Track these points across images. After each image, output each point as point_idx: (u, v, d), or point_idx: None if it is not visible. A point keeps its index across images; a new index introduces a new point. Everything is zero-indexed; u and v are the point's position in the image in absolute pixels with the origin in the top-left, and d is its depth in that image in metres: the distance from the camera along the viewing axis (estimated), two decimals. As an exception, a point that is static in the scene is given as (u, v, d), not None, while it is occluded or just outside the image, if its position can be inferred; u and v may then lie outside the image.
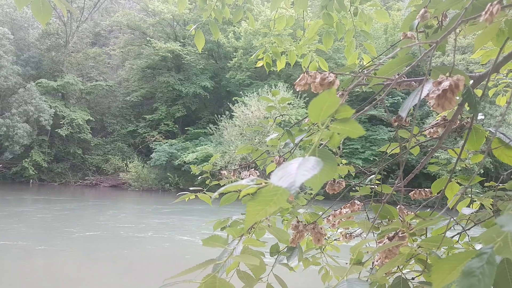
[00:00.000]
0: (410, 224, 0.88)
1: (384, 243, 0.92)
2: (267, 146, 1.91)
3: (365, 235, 1.58)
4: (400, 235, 0.92)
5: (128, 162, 29.95)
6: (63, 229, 13.00)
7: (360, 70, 1.43)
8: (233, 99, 26.38)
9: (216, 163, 23.23)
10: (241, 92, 26.94)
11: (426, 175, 20.08)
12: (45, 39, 31.92)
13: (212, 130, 27.88)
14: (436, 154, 1.67)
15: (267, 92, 24.74)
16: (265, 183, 0.67)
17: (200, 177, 1.96)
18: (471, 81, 1.16)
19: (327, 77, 0.91)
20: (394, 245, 0.86)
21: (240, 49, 29.69)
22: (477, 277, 0.59)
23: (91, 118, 31.64)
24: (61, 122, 29.88)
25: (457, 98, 0.79)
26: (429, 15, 1.04)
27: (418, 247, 0.83)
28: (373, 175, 1.73)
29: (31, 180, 29.42)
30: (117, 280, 8.04)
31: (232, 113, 25.80)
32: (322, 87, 0.93)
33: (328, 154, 0.69)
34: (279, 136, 1.65)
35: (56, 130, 29.58)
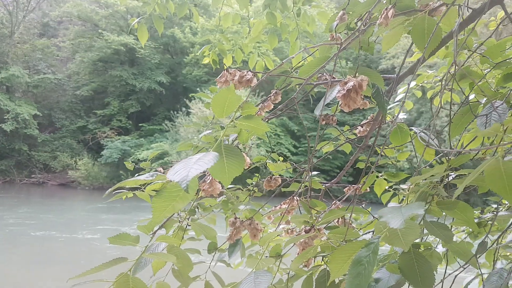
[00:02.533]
0: (317, 217, 0.92)
1: (300, 235, 0.96)
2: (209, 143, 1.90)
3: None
4: (315, 228, 0.95)
5: (78, 159, 28.69)
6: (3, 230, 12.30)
7: (292, 70, 1.47)
8: (190, 95, 26.05)
9: (172, 160, 22.84)
10: (198, 89, 26.61)
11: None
12: (-13, 28, 29.91)
13: (168, 127, 27.36)
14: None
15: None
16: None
17: (136, 174, 1.92)
18: (390, 82, 1.22)
19: (245, 75, 0.93)
20: (306, 237, 0.89)
21: (197, 44, 29.33)
22: (363, 266, 0.63)
23: (38, 113, 29.90)
24: (5, 117, 28.06)
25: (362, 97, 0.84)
26: (348, 17, 1.09)
27: (328, 239, 0.87)
28: (317, 172, 1.79)
29: (-30, 179, 27.52)
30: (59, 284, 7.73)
31: (189, 110, 25.47)
32: (240, 84, 0.95)
33: (234, 150, 0.71)
34: (213, 133, 1.66)
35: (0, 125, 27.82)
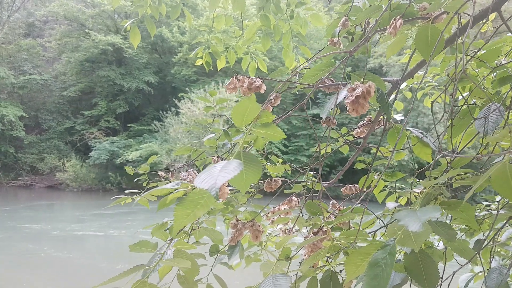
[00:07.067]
0: (325, 219, 0.95)
1: (309, 237, 0.98)
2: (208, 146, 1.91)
3: (304, 231, 1.66)
4: (323, 229, 0.98)
5: (65, 161, 28.34)
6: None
7: (292, 74, 1.49)
8: (179, 95, 25.92)
9: (162, 161, 22.71)
10: (187, 88, 26.49)
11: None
12: (-30, 28, 29.33)
13: (157, 127, 27.18)
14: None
15: (214, 88, 24.53)
16: (192, 186, 0.69)
17: (136, 178, 1.91)
18: (390, 85, 1.25)
19: (254, 82, 0.95)
20: (316, 239, 0.91)
21: (185, 44, 29.18)
22: (381, 267, 0.66)
23: (24, 114, 29.46)
24: (-10, 119, 27.65)
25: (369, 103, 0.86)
26: (350, 22, 1.12)
27: (336, 241, 0.90)
28: (313, 173, 1.81)
29: (-46, 182, 26.99)
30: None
31: (178, 110, 25.33)
32: (250, 91, 0.96)
33: (252, 157, 0.73)
34: (216, 137, 1.67)
35: (-16, 128, 27.34)
